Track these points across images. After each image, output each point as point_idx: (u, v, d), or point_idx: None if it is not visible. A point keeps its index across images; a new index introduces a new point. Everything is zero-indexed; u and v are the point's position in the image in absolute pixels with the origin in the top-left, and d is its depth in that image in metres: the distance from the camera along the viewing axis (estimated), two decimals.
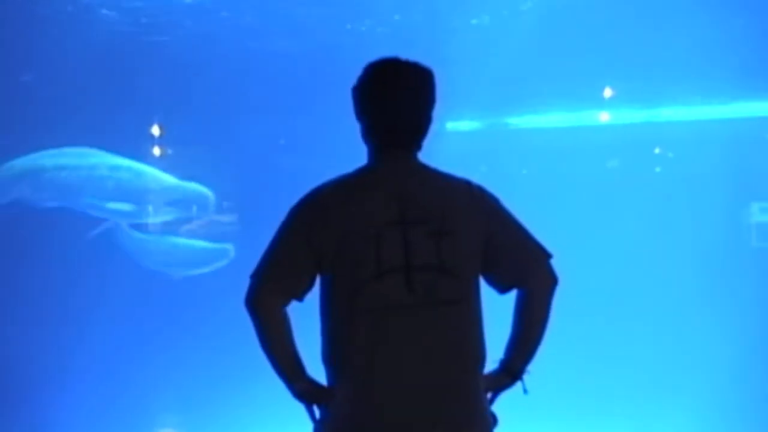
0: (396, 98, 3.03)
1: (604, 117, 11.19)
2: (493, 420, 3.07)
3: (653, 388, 9.29)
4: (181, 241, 10.02)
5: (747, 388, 8.99)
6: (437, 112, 3.12)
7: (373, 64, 3.07)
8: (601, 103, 10.73)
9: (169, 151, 10.65)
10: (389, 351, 2.90)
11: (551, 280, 3.09)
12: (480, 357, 3.03)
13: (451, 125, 10.87)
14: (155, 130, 10.43)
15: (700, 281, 9.83)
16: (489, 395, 3.10)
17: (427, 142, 3.13)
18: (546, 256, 3.09)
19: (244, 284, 3.04)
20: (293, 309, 3.07)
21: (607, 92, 10.43)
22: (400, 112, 3.03)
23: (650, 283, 10.24)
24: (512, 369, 3.10)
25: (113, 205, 9.31)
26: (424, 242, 2.94)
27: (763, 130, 10.78)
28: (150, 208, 9.46)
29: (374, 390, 2.90)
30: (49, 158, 9.41)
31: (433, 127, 3.13)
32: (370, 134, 3.08)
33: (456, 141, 9.77)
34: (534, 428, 7.72)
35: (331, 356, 3.00)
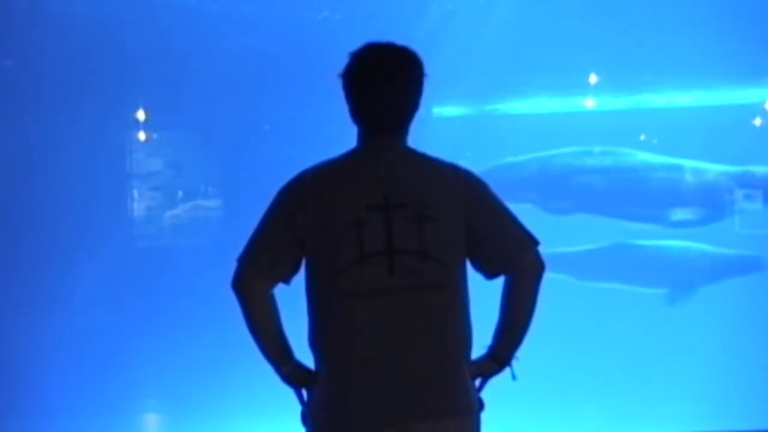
0: (380, 84, 3.02)
1: (590, 103, 11.20)
2: (480, 405, 3.07)
3: (636, 374, 9.32)
4: (707, 248, 9.22)
5: (733, 373, 9.03)
6: (423, 97, 3.11)
7: (358, 50, 3.06)
8: (587, 90, 10.73)
9: (154, 136, 10.61)
10: (370, 335, 2.90)
11: (537, 267, 3.08)
12: (465, 342, 3.03)
13: (437, 111, 10.85)
14: (140, 115, 10.37)
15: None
16: (477, 382, 3.11)
17: (413, 128, 3.12)
18: (533, 242, 3.08)
19: (231, 269, 3.05)
20: (287, 293, 3.08)
21: (593, 78, 10.43)
22: (385, 99, 3.03)
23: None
24: (500, 356, 3.11)
25: (654, 211, 8.76)
26: (407, 227, 2.93)
27: (748, 117, 10.82)
28: (694, 209, 8.82)
29: (356, 375, 2.91)
30: (562, 159, 8.88)
31: (419, 113, 3.12)
32: (356, 119, 3.09)
33: (441, 126, 9.75)
34: (523, 415, 7.76)
35: (314, 340, 3.01)
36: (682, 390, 8.64)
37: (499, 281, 3.12)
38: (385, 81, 3.01)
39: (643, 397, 8.75)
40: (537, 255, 3.09)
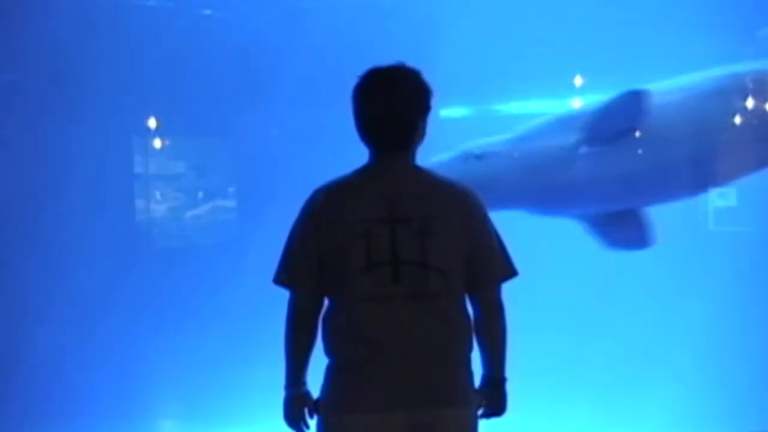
0: (387, 108, 3.20)
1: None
2: (478, 407, 3.34)
3: (635, 376, 9.29)
4: None
5: (710, 371, 9.03)
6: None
7: (366, 73, 3.24)
8: (583, 91, 10.76)
9: (167, 143, 10.76)
10: (378, 335, 3.13)
11: (497, 301, 3.28)
12: (466, 347, 3.27)
13: (444, 112, 10.96)
14: (152, 123, 10.54)
15: (658, 263, 9.64)
16: (481, 411, 3.32)
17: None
18: (505, 275, 3.31)
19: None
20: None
21: (584, 81, 10.45)
22: (391, 122, 3.21)
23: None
24: (493, 381, 3.34)
25: None
26: (410, 240, 3.14)
27: None
28: None
29: (367, 368, 3.16)
30: None
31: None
32: (363, 139, 3.29)
33: (448, 127, 9.87)
34: (520, 417, 7.83)
35: (327, 341, 3.25)
36: (682, 393, 8.59)
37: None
38: (391, 101, 3.19)
39: (642, 400, 8.69)
40: (498, 289, 3.30)
